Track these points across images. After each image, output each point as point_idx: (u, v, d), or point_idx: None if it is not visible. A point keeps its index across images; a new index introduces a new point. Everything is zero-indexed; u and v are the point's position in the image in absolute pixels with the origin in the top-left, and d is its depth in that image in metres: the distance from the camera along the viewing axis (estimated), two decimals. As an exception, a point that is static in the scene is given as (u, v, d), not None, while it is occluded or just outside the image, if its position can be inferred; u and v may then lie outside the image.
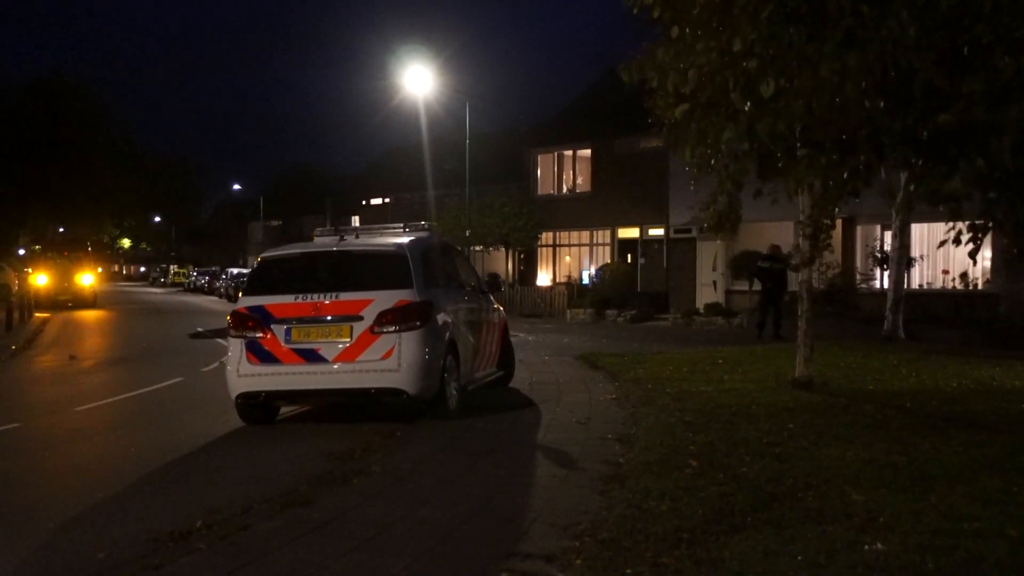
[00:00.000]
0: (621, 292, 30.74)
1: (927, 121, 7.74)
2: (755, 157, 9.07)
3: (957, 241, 8.39)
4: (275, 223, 72.28)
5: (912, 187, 8.92)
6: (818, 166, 8.39)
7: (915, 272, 23.92)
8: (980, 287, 23.30)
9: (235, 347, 9.75)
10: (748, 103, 7.96)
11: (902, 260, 20.18)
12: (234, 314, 9.88)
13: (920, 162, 8.43)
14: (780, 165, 8.96)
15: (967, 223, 8.24)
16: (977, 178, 7.69)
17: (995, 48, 7.06)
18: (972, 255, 8.37)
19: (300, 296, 9.58)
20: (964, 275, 22.92)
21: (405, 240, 10.28)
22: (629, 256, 33.57)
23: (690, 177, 10.44)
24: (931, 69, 7.10)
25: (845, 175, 8.58)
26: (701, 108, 8.68)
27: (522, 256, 39.04)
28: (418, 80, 33.21)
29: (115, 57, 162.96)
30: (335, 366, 9.41)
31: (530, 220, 34.84)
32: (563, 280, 35.76)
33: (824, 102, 7.44)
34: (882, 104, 7.63)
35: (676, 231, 31.20)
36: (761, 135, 7.95)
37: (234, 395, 9.77)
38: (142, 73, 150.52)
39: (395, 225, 11.59)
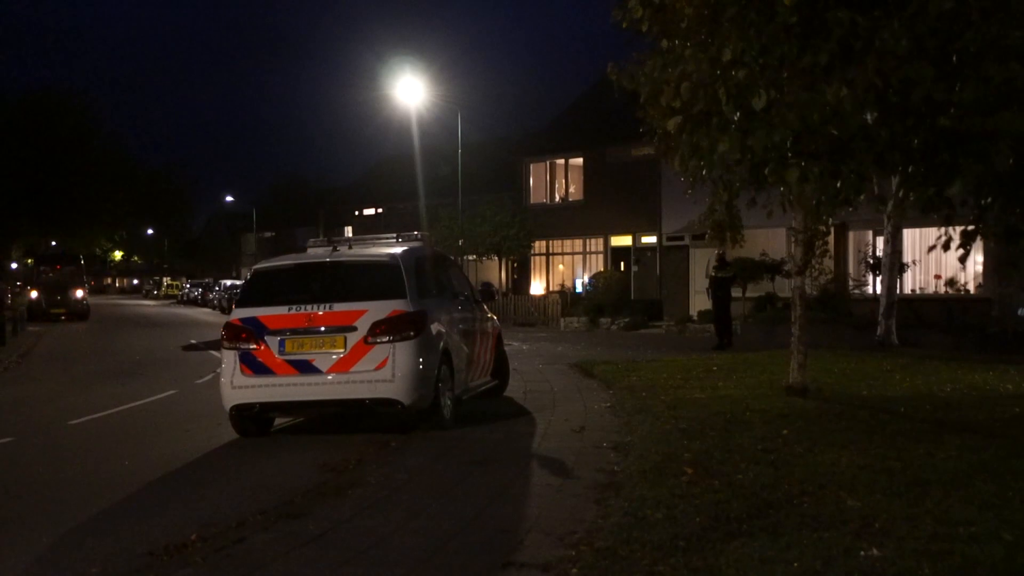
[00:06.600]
0: (615, 300, 30.76)
1: (922, 128, 7.76)
2: (748, 167, 9.09)
3: (947, 247, 8.44)
4: (268, 234, 72.26)
5: (905, 194, 8.97)
6: (811, 176, 8.41)
7: (907, 277, 23.97)
8: (972, 292, 23.37)
9: (229, 359, 9.72)
10: (738, 114, 7.98)
11: (894, 265, 20.22)
12: (227, 326, 9.85)
13: (914, 169, 8.47)
14: (770, 175, 8.97)
15: (960, 229, 8.29)
16: (977, 184, 7.72)
17: (985, 56, 7.09)
18: (962, 260, 8.43)
19: (293, 307, 9.56)
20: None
21: (398, 250, 10.27)
22: (622, 264, 33.60)
23: (682, 185, 10.48)
24: (929, 81, 7.10)
25: (838, 184, 8.60)
26: (693, 121, 8.69)
27: (515, 265, 39.06)
28: (410, 91, 33.34)
29: (106, 71, 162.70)
30: (329, 377, 9.39)
31: (523, 229, 34.84)
32: (556, 289, 35.76)
33: (820, 115, 7.45)
34: (878, 115, 7.65)
35: (669, 239, 31.23)
36: (755, 148, 7.97)
37: (228, 407, 9.74)
38: (134, 86, 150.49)
39: (388, 235, 11.56)
